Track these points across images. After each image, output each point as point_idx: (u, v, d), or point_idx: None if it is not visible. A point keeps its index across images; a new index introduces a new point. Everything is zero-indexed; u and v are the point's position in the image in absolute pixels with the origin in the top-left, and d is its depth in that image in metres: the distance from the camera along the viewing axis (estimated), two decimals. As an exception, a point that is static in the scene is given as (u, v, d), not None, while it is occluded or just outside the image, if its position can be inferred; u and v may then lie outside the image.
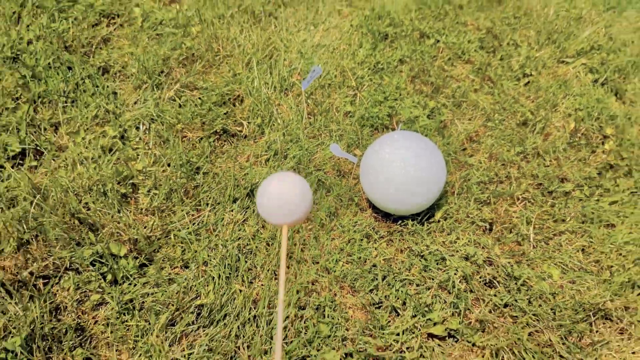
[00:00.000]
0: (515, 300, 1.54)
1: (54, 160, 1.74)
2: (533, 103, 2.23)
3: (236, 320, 1.45)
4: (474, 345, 1.46)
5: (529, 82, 2.35)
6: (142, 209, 1.68)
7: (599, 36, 2.62)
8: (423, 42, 2.54)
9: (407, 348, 1.44)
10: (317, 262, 1.61)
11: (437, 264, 1.62)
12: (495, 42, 2.58)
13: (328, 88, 2.24)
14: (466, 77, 2.37)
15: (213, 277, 1.53)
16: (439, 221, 1.74)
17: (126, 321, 1.40)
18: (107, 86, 2.02)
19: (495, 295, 1.55)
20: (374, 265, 1.62)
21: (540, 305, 1.53)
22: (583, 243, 1.71)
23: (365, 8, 2.76)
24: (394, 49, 2.49)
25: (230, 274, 1.55)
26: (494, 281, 1.60)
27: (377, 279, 1.58)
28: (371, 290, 1.56)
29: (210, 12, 2.50)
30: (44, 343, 1.31)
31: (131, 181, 1.73)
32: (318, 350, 1.42)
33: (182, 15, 2.43)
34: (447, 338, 1.48)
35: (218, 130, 1.97)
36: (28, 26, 2.16)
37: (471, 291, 1.57)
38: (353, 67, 2.34)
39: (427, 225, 1.73)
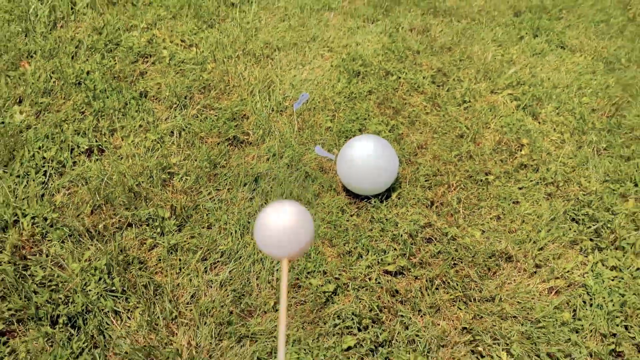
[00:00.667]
0: (446, 249, 2.18)
1: (112, 155, 2.38)
2: (469, 121, 2.93)
3: (248, 260, 2.07)
4: (416, 278, 2.09)
5: (467, 107, 3.06)
6: (177, 189, 2.31)
7: (524, 74, 3.37)
8: (387, 78, 3.26)
9: (369, 279, 2.06)
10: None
11: (392, 226, 2.26)
12: (444, 78, 3.31)
13: (313, 110, 2.92)
14: (420, 103, 3.08)
15: (231, 232, 2.15)
16: (394, 199, 2.39)
17: (172, 256, 2.02)
18: (147, 106, 2.69)
19: (431, 246, 2.19)
20: (347, 229, 2.26)
21: (464, 252, 2.17)
22: (498, 213, 2.37)
23: (342, 52, 3.49)
24: (365, 82, 3.21)
25: (243, 231, 2.17)
26: (432, 238, 2.24)
27: (348, 237, 2.21)
28: (344, 244, 2.19)
29: (221, 53, 3.21)
30: (118, 267, 1.91)
31: (169, 170, 2.37)
32: (306, 279, 2.03)
33: (199, 56, 3.14)
34: (397, 274, 2.10)
35: (230, 138, 2.63)
36: (84, 62, 2.84)
37: (415, 244, 2.21)
38: (332, 96, 3.04)
39: (385, 202, 2.38)
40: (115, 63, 2.88)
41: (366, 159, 2.30)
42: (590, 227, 2.31)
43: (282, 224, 0.96)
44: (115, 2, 3.35)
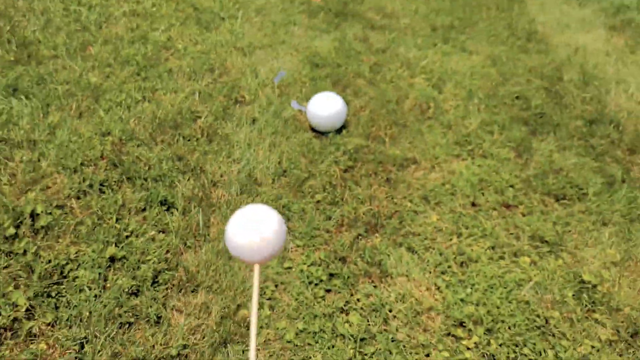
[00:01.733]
0: (377, 157, 3.51)
1: (158, 103, 3.62)
2: (395, 93, 4.32)
3: (254, 162, 3.32)
4: (358, 172, 3.39)
5: (394, 85, 4.45)
6: (201, 126, 3.56)
7: (435, 66, 4.81)
8: (338, 68, 4.63)
9: (328, 171, 3.35)
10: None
11: (342, 146, 3.57)
12: (378, 68, 4.71)
13: (287, 86, 4.24)
14: (362, 83, 4.45)
15: (240, 146, 3.41)
16: (344, 134, 3.71)
17: (207, 156, 3.26)
18: (174, 77, 3.94)
19: (367, 156, 3.51)
20: (313, 147, 3.55)
21: (388, 159, 3.50)
22: (410, 140, 3.72)
23: (305, 52, 4.84)
24: (322, 70, 4.56)
25: (247, 146, 3.43)
26: (368, 152, 3.57)
27: (314, 151, 3.50)
28: (312, 155, 3.48)
29: (219, 49, 4.52)
30: (176, 157, 3.14)
31: (196, 114, 3.62)
32: (289, 172, 3.30)
33: (205, 49, 4.43)
34: (345, 170, 3.40)
35: (232, 99, 3.91)
36: (129, 48, 4.08)
37: (357, 154, 3.52)
38: (300, 77, 4.38)
39: (339, 135, 3.69)
40: (149, 51, 4.15)
41: (327, 108, 3.63)
42: (468, 147, 3.70)
43: (257, 235, 0.97)
44: (139, 13, 4.63)
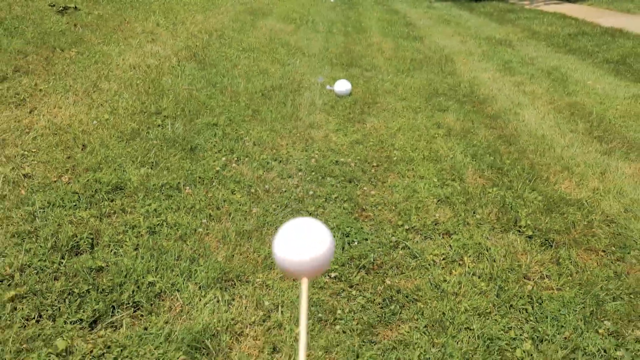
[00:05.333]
0: (365, 102, 8.61)
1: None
2: (374, 88, 9.49)
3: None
4: (355, 104, 8.50)
5: (374, 85, 9.65)
6: (290, 91, 8.72)
7: (395, 80, 10.04)
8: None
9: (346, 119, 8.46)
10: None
11: (350, 99, 8.69)
12: (367, 82, 9.94)
13: (324, 83, 9.45)
14: (360, 84, 9.65)
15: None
16: (350, 97, 8.85)
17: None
18: (272, 79, 9.22)
19: (363, 102, 8.63)
20: (336, 99, 8.67)
21: (369, 103, 8.60)
22: (382, 98, 8.83)
23: (331, 77, 10.11)
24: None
25: (310, 97, 8.57)
26: (361, 102, 8.68)
27: (339, 100, 8.63)
28: (336, 100, 8.59)
29: (289, 72, 9.83)
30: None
31: (284, 88, 8.81)
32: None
33: (284, 72, 9.76)
34: (350, 105, 8.49)
35: (300, 87, 9.11)
36: (253, 66, 9.40)
37: (357, 101, 8.63)
38: (330, 80, 9.60)
39: (349, 97, 8.82)
40: (261, 69, 9.49)
41: (341, 86, 8.84)
42: (404, 100, 8.81)
43: (306, 251, 1.04)
44: (251, 57, 10.03)
